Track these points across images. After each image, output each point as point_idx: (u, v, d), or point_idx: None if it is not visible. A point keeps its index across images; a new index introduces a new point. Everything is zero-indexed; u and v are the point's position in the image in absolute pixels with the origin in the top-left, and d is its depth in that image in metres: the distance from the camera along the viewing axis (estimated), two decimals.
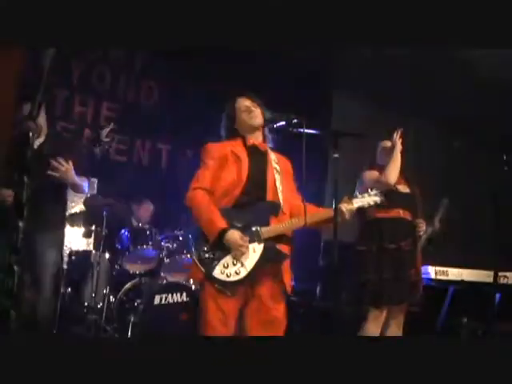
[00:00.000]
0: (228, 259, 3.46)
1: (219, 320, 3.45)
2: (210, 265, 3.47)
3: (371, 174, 4.82)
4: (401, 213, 4.77)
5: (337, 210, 3.46)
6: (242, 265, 3.45)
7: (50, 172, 4.42)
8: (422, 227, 4.86)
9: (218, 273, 3.44)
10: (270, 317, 3.52)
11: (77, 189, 4.75)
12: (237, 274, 3.44)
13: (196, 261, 3.51)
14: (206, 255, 3.49)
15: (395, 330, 4.79)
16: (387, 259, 4.67)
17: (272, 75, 7.97)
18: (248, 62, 7.83)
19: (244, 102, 3.77)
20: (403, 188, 4.87)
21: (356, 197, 3.68)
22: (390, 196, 4.65)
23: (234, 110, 3.77)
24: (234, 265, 3.45)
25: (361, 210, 3.71)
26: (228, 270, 3.44)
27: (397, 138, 4.75)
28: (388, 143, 4.87)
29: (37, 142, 4.64)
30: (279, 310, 3.56)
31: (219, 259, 3.47)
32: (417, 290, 4.76)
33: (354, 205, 3.64)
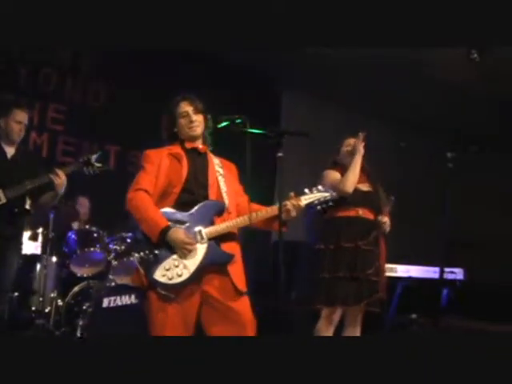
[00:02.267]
0: (170, 261, 3.40)
1: (165, 323, 3.39)
2: (151, 267, 3.40)
3: (331, 176, 4.83)
4: (360, 212, 4.76)
5: (281, 207, 3.41)
6: (185, 266, 3.40)
7: (55, 180, 4.63)
8: (386, 224, 4.88)
9: (159, 275, 3.38)
10: (230, 312, 3.44)
11: (55, 200, 4.98)
12: (179, 276, 3.38)
13: (137, 263, 3.45)
14: (148, 258, 3.42)
15: (352, 330, 4.79)
16: (343, 258, 4.66)
17: (220, 75, 7.97)
18: (196, 62, 7.84)
19: (186, 108, 3.72)
20: (364, 186, 4.87)
21: (305, 193, 3.66)
22: (349, 195, 4.70)
23: (175, 114, 3.72)
24: (176, 267, 3.39)
25: (315, 207, 3.68)
26: (169, 273, 3.38)
27: (359, 142, 4.76)
28: (351, 141, 4.88)
29: (10, 152, 4.82)
30: (239, 304, 3.48)
31: (161, 261, 3.40)
32: (376, 291, 4.72)
33: (303, 201, 3.62)
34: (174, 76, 7.74)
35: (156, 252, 3.41)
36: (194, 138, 3.73)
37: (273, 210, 3.57)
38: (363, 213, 4.77)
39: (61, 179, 4.67)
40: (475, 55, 7.55)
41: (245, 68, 8.74)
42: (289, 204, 3.57)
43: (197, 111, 3.72)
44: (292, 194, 3.64)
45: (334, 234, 4.71)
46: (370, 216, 4.82)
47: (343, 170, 4.81)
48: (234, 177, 3.82)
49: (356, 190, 4.76)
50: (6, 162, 4.82)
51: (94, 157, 4.83)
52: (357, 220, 4.76)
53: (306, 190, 3.70)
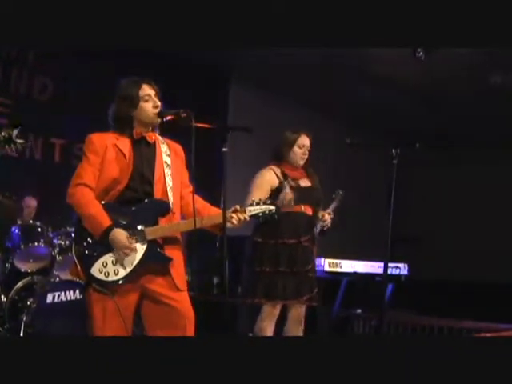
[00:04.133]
0: (107, 258, 3.35)
1: (103, 317, 3.34)
2: (88, 262, 3.34)
3: (260, 186, 4.77)
4: (302, 208, 4.77)
5: (225, 216, 3.36)
6: (122, 265, 3.34)
7: None
8: (327, 219, 4.90)
9: (96, 271, 3.33)
10: (171, 309, 3.39)
11: None
12: (115, 274, 3.33)
13: (74, 257, 3.39)
14: (86, 252, 3.37)
15: (293, 327, 4.81)
16: (284, 253, 4.67)
17: (168, 71, 7.94)
18: (144, 55, 7.79)
19: (148, 91, 3.54)
20: (304, 182, 4.88)
21: (251, 204, 3.61)
22: (292, 191, 4.72)
23: (137, 97, 3.50)
24: (114, 264, 3.34)
25: (259, 218, 3.65)
26: (106, 269, 3.33)
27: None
28: (306, 141, 4.87)
29: None
30: (180, 301, 3.43)
31: (99, 257, 3.35)
32: (315, 285, 4.79)
33: (248, 213, 3.56)
34: (122, 68, 7.67)
35: (95, 247, 3.36)
36: (150, 125, 3.58)
37: (218, 217, 3.46)
38: (305, 208, 4.79)
39: None
40: (421, 53, 7.66)
41: (193, 60, 8.72)
42: (234, 217, 3.50)
43: (158, 96, 3.58)
44: (237, 206, 3.56)
45: (275, 229, 4.68)
46: (310, 212, 4.83)
47: (288, 165, 4.82)
48: (181, 161, 3.71)
49: (297, 187, 4.79)
50: None
51: (14, 132, 4.62)
52: (299, 215, 4.77)
53: (254, 201, 3.66)
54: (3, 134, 4.58)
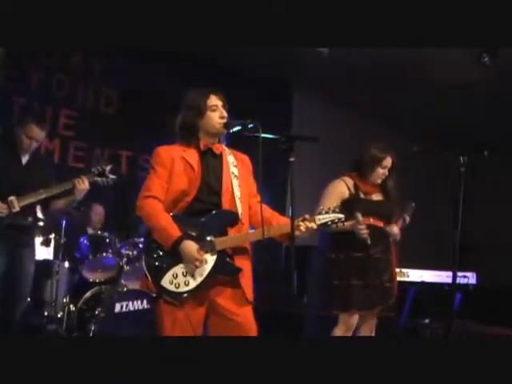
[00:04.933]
0: (178, 269, 3.37)
1: (174, 328, 3.36)
2: (159, 273, 3.38)
3: (331, 196, 4.77)
4: (371, 221, 4.73)
5: (293, 224, 3.30)
6: (192, 276, 3.36)
7: (78, 185, 4.68)
8: (396, 232, 4.86)
9: (166, 283, 3.36)
10: (236, 324, 3.39)
11: (68, 207, 5.08)
12: (186, 285, 3.35)
13: (145, 269, 3.42)
14: (156, 263, 3.40)
15: (367, 334, 4.85)
16: (354, 267, 4.68)
17: (232, 79, 7.98)
18: (208, 66, 7.88)
19: (216, 101, 3.56)
20: (376, 196, 4.88)
21: (320, 213, 3.58)
22: (362, 205, 4.69)
23: (204, 106, 3.53)
24: (184, 275, 3.36)
25: (328, 227, 3.65)
26: (177, 281, 3.35)
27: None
28: (388, 162, 4.84)
29: (24, 158, 4.83)
30: (244, 316, 3.44)
31: (169, 268, 3.38)
32: (390, 296, 4.78)
33: (317, 222, 3.54)
34: (187, 81, 7.75)
35: (165, 258, 3.39)
36: (216, 135, 3.60)
37: (286, 227, 3.42)
38: (374, 221, 4.75)
39: (84, 185, 4.70)
40: (486, 58, 7.51)
41: (258, 70, 8.75)
42: (302, 225, 3.49)
43: (225, 107, 3.60)
44: (307, 215, 3.55)
45: (344, 243, 4.70)
46: (381, 224, 4.81)
47: (361, 177, 4.80)
48: (248, 172, 3.72)
49: (368, 200, 4.80)
50: (21, 169, 4.82)
51: (108, 168, 4.89)
52: (369, 229, 4.72)
53: (322, 210, 3.62)
54: (98, 167, 4.82)
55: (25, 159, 4.85)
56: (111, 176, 4.85)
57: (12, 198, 4.56)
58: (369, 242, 4.62)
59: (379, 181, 4.85)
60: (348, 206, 4.47)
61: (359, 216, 4.54)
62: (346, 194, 4.76)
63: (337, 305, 4.69)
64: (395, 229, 4.84)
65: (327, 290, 4.75)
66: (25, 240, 4.82)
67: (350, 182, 4.81)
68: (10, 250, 4.71)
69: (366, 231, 4.58)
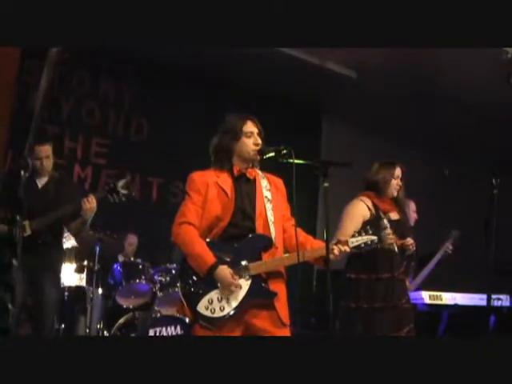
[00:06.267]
0: (213, 294, 3.39)
1: None
2: (194, 299, 3.40)
3: (353, 219, 4.72)
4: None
5: (328, 248, 3.33)
6: (227, 301, 3.38)
7: (84, 205, 4.59)
8: (412, 245, 4.84)
9: (202, 308, 3.38)
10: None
11: (82, 229, 5.00)
12: (221, 310, 3.37)
13: (180, 295, 3.46)
14: (192, 289, 3.43)
15: None
16: (380, 289, 4.61)
17: (260, 104, 8.04)
18: (237, 91, 7.95)
19: (252, 128, 3.61)
20: (394, 215, 4.83)
21: (354, 236, 3.60)
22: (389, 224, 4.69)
23: (240, 131, 3.57)
24: (219, 301, 3.38)
25: (361, 249, 3.64)
26: (212, 306, 3.37)
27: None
28: (398, 172, 4.87)
29: (41, 182, 4.79)
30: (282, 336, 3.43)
31: (204, 294, 3.40)
32: (412, 318, 4.71)
33: (350, 245, 3.56)
34: (214, 106, 7.81)
35: (201, 284, 3.42)
36: (250, 161, 3.63)
37: (320, 250, 3.45)
38: (396, 242, 4.74)
39: (90, 204, 4.63)
40: None
41: (284, 95, 8.80)
42: (336, 248, 3.51)
43: (260, 134, 3.64)
44: (340, 238, 3.58)
45: (368, 264, 4.64)
46: (399, 244, 4.77)
47: (377, 195, 4.81)
48: (282, 196, 3.74)
49: (389, 221, 4.73)
50: (37, 192, 4.87)
51: (120, 183, 4.75)
52: (391, 249, 4.70)
53: (355, 233, 3.65)
54: (110, 183, 4.76)
55: (41, 183, 4.92)
56: (123, 191, 4.74)
57: (25, 222, 4.58)
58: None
59: (395, 193, 4.84)
60: (371, 227, 4.50)
61: (385, 231, 4.54)
62: (368, 214, 4.73)
63: (359, 329, 4.57)
64: (409, 240, 4.83)
65: (348, 312, 4.66)
66: (42, 263, 4.81)
67: (369, 202, 4.79)
68: (27, 276, 4.68)
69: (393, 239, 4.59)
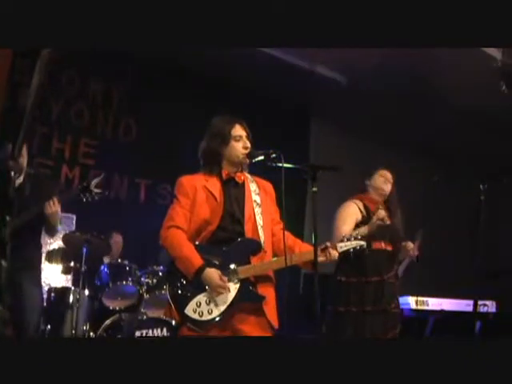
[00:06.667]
0: (201, 297, 3.39)
1: None
2: (183, 302, 3.40)
3: (345, 222, 4.80)
4: (383, 245, 4.77)
5: (316, 252, 3.34)
6: (216, 304, 3.38)
7: (46, 210, 4.48)
8: (411, 248, 4.87)
9: (190, 311, 3.38)
10: None
11: (53, 231, 4.88)
12: (209, 313, 3.37)
13: (168, 298, 3.46)
14: (180, 292, 3.43)
15: None
16: (369, 292, 4.65)
17: (249, 106, 8.03)
18: (223, 99, 7.93)
19: (241, 132, 3.61)
20: (385, 220, 4.85)
21: (342, 240, 3.61)
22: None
23: (229, 135, 3.57)
24: (207, 304, 3.39)
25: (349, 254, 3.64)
26: (200, 309, 3.38)
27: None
28: (388, 175, 4.91)
29: (17, 182, 4.70)
30: None
31: (193, 297, 3.40)
32: (399, 322, 4.77)
33: (339, 250, 3.57)
34: (203, 108, 7.80)
35: (189, 287, 3.41)
36: (239, 165, 3.62)
37: (309, 254, 3.44)
38: (385, 245, 4.76)
39: (52, 208, 4.53)
40: (504, 87, 7.52)
41: (271, 96, 8.81)
42: (326, 253, 3.53)
43: (249, 137, 3.63)
44: (328, 243, 3.58)
45: (357, 267, 4.68)
46: (390, 248, 4.83)
47: (368, 200, 4.83)
48: (271, 199, 3.75)
49: (379, 225, 4.75)
50: (11, 193, 4.77)
51: (93, 182, 4.68)
52: (381, 253, 4.75)
53: (344, 238, 3.66)
54: (83, 183, 4.67)
55: (18, 182, 4.71)
56: (96, 190, 4.65)
57: None
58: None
59: (384, 195, 4.93)
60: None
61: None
62: (360, 216, 4.78)
63: (350, 332, 4.62)
64: (410, 244, 4.85)
65: (337, 316, 4.72)
66: (20, 263, 4.64)
67: (360, 204, 4.85)
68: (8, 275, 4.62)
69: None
